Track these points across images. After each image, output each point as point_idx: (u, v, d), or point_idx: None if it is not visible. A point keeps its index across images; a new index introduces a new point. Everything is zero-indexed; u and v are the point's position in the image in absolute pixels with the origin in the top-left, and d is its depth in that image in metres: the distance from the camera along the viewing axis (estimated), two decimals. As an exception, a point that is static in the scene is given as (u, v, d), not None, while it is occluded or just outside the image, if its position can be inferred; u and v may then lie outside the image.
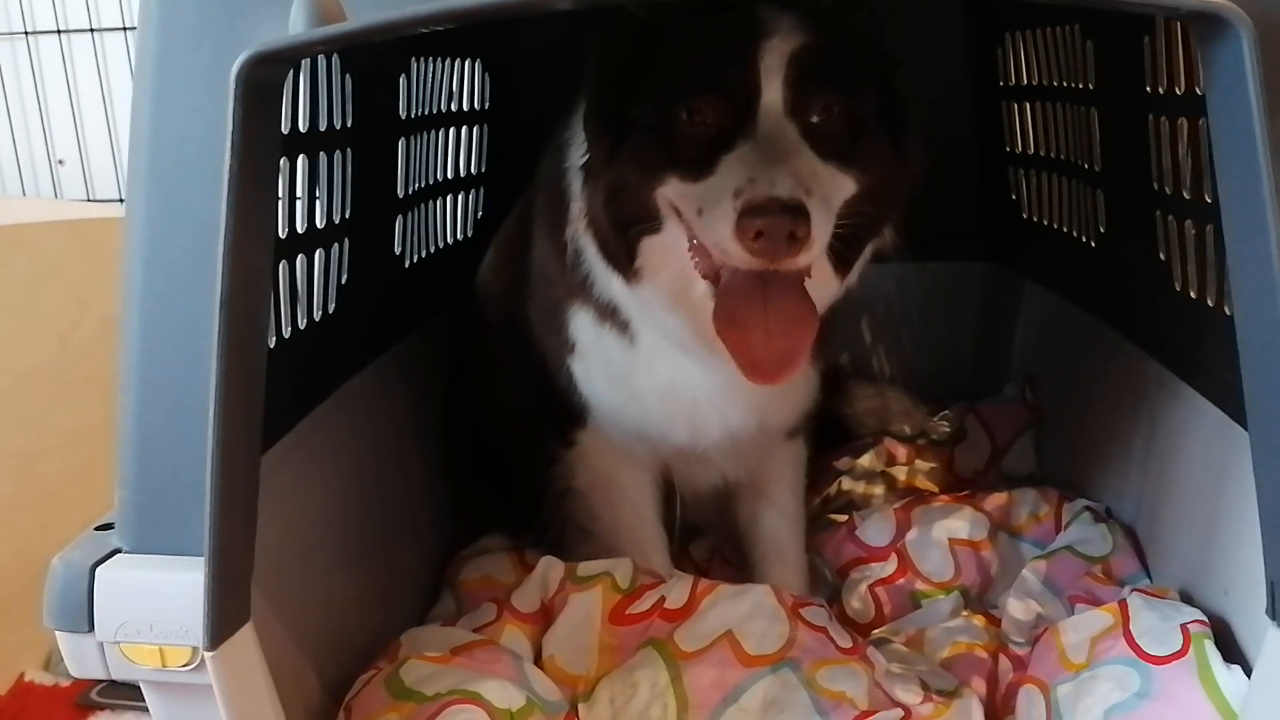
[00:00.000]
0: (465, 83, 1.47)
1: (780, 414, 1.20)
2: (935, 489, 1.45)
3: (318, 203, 1.00)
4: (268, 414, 0.76)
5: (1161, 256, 1.07)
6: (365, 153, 1.09)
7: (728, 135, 0.93)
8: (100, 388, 1.48)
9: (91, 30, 2.11)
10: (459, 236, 1.49)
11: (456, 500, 1.38)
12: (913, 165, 1.04)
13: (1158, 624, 0.95)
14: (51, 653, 1.39)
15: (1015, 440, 1.50)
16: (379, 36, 0.57)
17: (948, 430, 1.54)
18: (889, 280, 1.67)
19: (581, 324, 1.14)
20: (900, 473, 1.49)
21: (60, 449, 1.43)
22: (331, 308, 1.04)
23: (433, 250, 1.39)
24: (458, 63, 1.42)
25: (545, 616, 1.09)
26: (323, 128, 0.98)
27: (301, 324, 0.97)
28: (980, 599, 1.23)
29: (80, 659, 0.69)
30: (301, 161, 0.94)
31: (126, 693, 1.28)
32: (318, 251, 1.01)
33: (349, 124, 1.03)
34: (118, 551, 0.70)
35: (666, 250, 1.01)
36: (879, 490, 1.46)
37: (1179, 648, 0.91)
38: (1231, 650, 0.91)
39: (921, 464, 1.50)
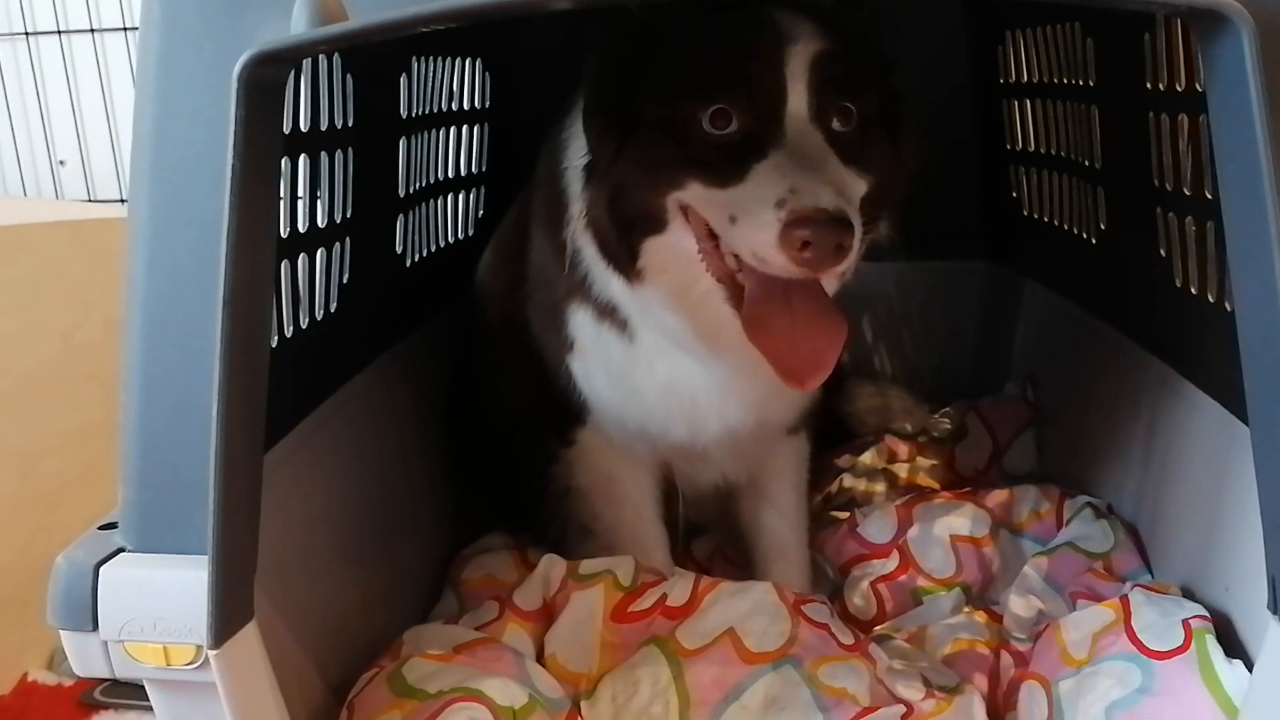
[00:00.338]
0: (466, 82, 1.47)
1: (779, 411, 1.20)
2: (936, 486, 1.45)
3: (319, 202, 1.00)
4: (270, 413, 0.76)
5: (1162, 253, 1.07)
6: (366, 152, 1.09)
7: (755, 141, 0.93)
8: (102, 387, 1.49)
9: (92, 30, 2.10)
10: (460, 235, 1.49)
11: (458, 499, 1.38)
12: (909, 162, 1.05)
13: (1159, 620, 0.95)
14: (55, 652, 1.39)
15: (1016, 438, 1.50)
16: (380, 36, 0.58)
17: (949, 428, 1.54)
18: (889, 279, 1.67)
19: (580, 323, 1.14)
20: (902, 470, 1.49)
21: (62, 448, 1.43)
22: (333, 307, 1.04)
23: (434, 249, 1.39)
24: (458, 62, 1.42)
25: (547, 614, 1.09)
26: (324, 127, 0.98)
27: (303, 323, 0.97)
28: (982, 595, 1.23)
29: (84, 658, 0.69)
30: (303, 161, 0.94)
31: (129, 692, 1.28)
32: (319, 251, 1.01)
33: (350, 123, 1.03)
34: (121, 550, 0.70)
35: (669, 251, 1.01)
36: (880, 487, 1.46)
37: (1180, 643, 0.91)
38: (1233, 645, 0.91)
39: (923, 461, 1.50)
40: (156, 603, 0.67)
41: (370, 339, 1.19)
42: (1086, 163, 1.27)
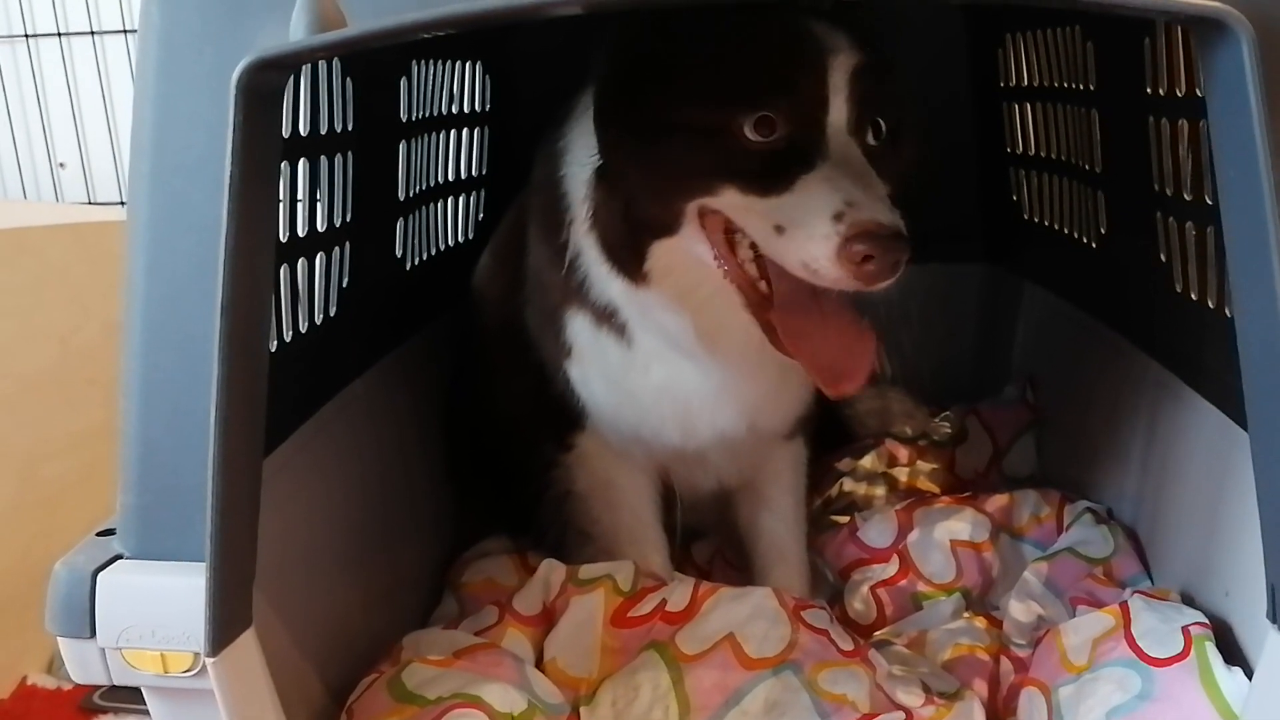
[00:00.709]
0: (466, 85, 1.47)
1: (772, 418, 1.21)
2: (937, 490, 1.45)
3: (319, 206, 1.00)
4: (269, 418, 0.76)
5: (1162, 258, 1.07)
6: (366, 156, 1.09)
7: (800, 152, 0.93)
8: (102, 391, 1.48)
9: (92, 33, 2.10)
10: (460, 239, 1.49)
11: (458, 503, 1.38)
12: (911, 166, 1.05)
13: (1159, 626, 0.95)
14: (54, 656, 1.39)
15: (1016, 441, 1.50)
16: (379, 43, 0.58)
17: (949, 431, 1.54)
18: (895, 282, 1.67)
19: (579, 328, 1.14)
20: (902, 474, 1.49)
21: (62, 452, 1.43)
22: (333, 311, 1.04)
23: (434, 253, 1.39)
24: (458, 65, 1.42)
25: (547, 619, 1.09)
26: (324, 131, 0.98)
27: (303, 328, 0.97)
28: (982, 600, 1.23)
29: (82, 665, 0.69)
30: (303, 165, 0.94)
31: (129, 696, 1.28)
32: (319, 255, 1.01)
33: (350, 127, 1.03)
34: (119, 557, 0.70)
35: (678, 254, 1.01)
36: (880, 491, 1.46)
37: (1180, 650, 0.91)
38: (1233, 652, 0.91)
39: (923, 465, 1.50)
40: (154, 610, 0.67)
41: (370, 343, 1.19)
42: (1086, 166, 1.27)
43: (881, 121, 0.98)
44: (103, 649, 0.68)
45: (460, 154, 1.48)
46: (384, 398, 1.20)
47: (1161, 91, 1.01)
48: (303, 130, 0.93)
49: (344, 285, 1.07)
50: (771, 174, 0.93)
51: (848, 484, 1.47)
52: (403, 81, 1.22)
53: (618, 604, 1.09)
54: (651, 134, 0.97)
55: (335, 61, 0.97)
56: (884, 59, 1.00)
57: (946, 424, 1.56)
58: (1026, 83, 1.45)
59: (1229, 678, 0.86)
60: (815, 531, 1.34)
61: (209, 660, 0.66)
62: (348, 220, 1.06)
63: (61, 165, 2.21)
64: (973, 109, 1.65)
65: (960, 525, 1.26)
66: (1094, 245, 1.28)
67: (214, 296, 0.63)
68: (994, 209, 1.65)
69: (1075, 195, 1.34)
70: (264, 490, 0.75)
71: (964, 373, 1.68)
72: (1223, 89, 0.61)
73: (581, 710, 0.99)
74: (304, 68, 0.89)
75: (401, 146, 1.24)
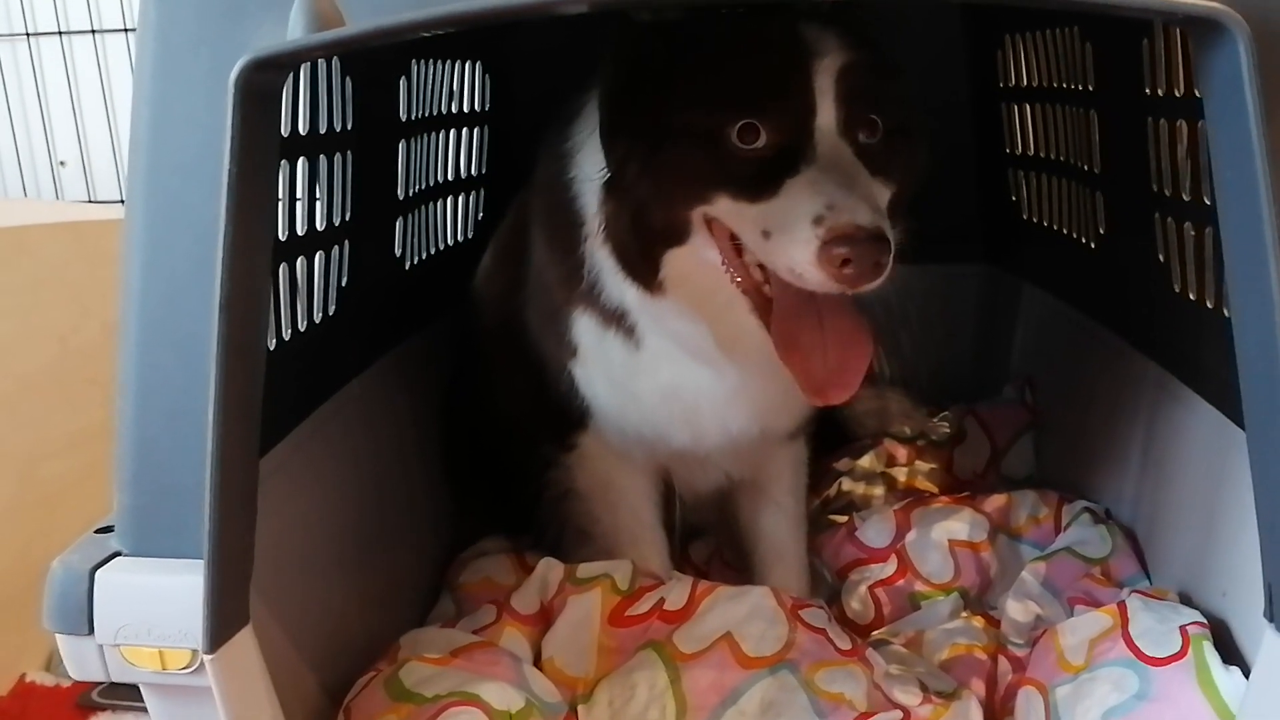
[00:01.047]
0: (465, 85, 1.47)
1: (781, 420, 1.20)
2: (935, 490, 1.45)
3: (318, 205, 1.00)
4: (267, 417, 0.76)
5: (1161, 258, 1.07)
6: (365, 155, 1.09)
7: (786, 156, 0.93)
8: (101, 390, 1.47)
9: (93, 31, 2.11)
10: (459, 238, 1.49)
11: (456, 502, 1.38)
12: (918, 168, 1.05)
13: (1156, 626, 0.95)
14: (52, 653, 1.39)
15: (1014, 442, 1.50)
16: (377, 42, 0.58)
17: (947, 431, 1.54)
18: (888, 283, 1.67)
19: (584, 329, 1.14)
20: (900, 474, 1.49)
21: (62, 451, 1.43)
22: (332, 310, 1.04)
23: (433, 252, 1.39)
24: (458, 65, 1.43)
25: (545, 618, 1.09)
26: (323, 130, 0.98)
27: (301, 326, 0.97)
28: (979, 600, 1.23)
29: (80, 661, 0.70)
30: (301, 164, 0.94)
31: (127, 693, 1.28)
32: (318, 254, 1.01)
33: (349, 126, 1.03)
34: (117, 555, 0.70)
35: (690, 262, 1.01)
36: (879, 491, 1.46)
37: (1178, 649, 0.91)
38: (1230, 651, 0.91)
39: (921, 465, 1.50)
40: (152, 607, 0.67)
41: (369, 342, 1.19)
42: (1085, 167, 1.27)
43: (878, 119, 0.97)
44: (101, 646, 0.68)
45: (459, 153, 1.48)
46: (382, 397, 1.20)
47: (1160, 92, 1.01)
48: (302, 129, 0.93)
49: (343, 284, 1.07)
50: (759, 180, 0.93)
51: (846, 483, 1.47)
52: (402, 81, 1.22)
53: (615, 603, 1.09)
54: (654, 144, 0.97)
55: (334, 60, 0.97)
56: (881, 59, 1.00)
57: (945, 424, 1.56)
58: (1025, 83, 1.45)
59: (1226, 677, 0.86)
60: (813, 531, 1.34)
61: (207, 657, 0.66)
62: (347, 219, 1.06)
63: (62, 163, 2.21)
64: (972, 110, 1.65)
65: (958, 525, 1.26)
66: (1093, 246, 1.29)
67: (211, 295, 0.63)
68: (993, 210, 1.65)
69: (1074, 196, 1.34)
70: (261, 490, 0.75)
71: (963, 373, 1.68)
72: (1220, 90, 0.61)
73: (579, 709, 1.00)
74: (303, 67, 0.89)
75: (401, 146, 1.24)
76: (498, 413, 1.32)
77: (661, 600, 1.08)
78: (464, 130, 1.49)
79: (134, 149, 0.65)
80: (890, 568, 1.25)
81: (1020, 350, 1.60)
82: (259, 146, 0.63)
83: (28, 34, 2.11)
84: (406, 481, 1.27)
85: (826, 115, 0.94)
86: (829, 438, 1.48)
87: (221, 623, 0.67)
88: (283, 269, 0.92)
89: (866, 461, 1.49)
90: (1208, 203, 0.94)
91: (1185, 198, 1.00)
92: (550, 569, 1.13)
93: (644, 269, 1.03)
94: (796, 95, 0.94)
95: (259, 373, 0.71)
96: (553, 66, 1.13)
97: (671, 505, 1.28)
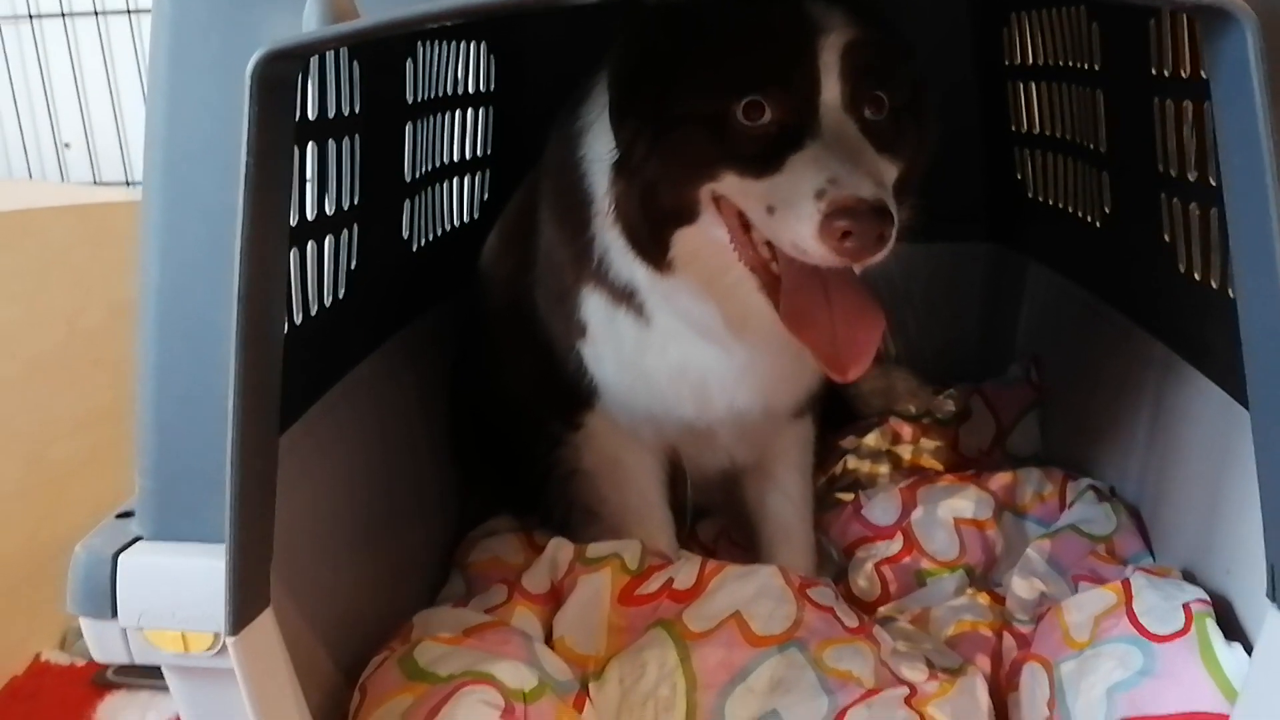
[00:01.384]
0: (471, 66, 1.47)
1: (787, 396, 1.21)
2: (940, 467, 1.46)
3: (327, 190, 1.00)
4: (280, 401, 0.77)
5: (1166, 238, 1.07)
6: (373, 138, 1.10)
7: (792, 132, 0.94)
8: (108, 372, 1.50)
9: (96, 13, 2.10)
10: (465, 219, 1.50)
11: (463, 482, 1.39)
12: (928, 146, 1.06)
13: (1160, 603, 0.96)
14: (66, 632, 1.41)
15: (1020, 420, 1.51)
16: (391, 33, 0.58)
17: (953, 410, 1.55)
18: (894, 261, 1.67)
19: (593, 308, 1.14)
20: (906, 451, 1.50)
21: (69, 433, 1.44)
22: (341, 293, 1.05)
23: (439, 234, 1.40)
24: (463, 46, 1.42)
25: (555, 597, 1.11)
26: (331, 115, 0.98)
27: (312, 310, 0.98)
28: (985, 577, 1.24)
29: (104, 644, 0.71)
30: (311, 149, 0.95)
31: (141, 671, 1.30)
32: (327, 238, 1.01)
33: (357, 110, 1.04)
34: (138, 539, 0.71)
35: (700, 240, 1.02)
36: (884, 469, 1.47)
37: (1181, 626, 0.92)
38: (1233, 628, 0.92)
39: (927, 443, 1.51)
40: (174, 591, 0.68)
41: (377, 324, 1.19)
42: (1091, 146, 1.27)
43: (884, 95, 0.98)
44: (124, 629, 0.69)
45: (465, 135, 1.48)
46: (390, 379, 1.21)
47: (1166, 74, 1.01)
48: (311, 115, 0.93)
49: (351, 268, 1.08)
50: (764, 156, 0.94)
51: (852, 461, 1.48)
52: (409, 63, 1.22)
53: (625, 582, 1.10)
54: (662, 124, 0.98)
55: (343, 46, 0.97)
56: (888, 36, 1.01)
57: (950, 402, 1.56)
58: (1031, 62, 1.45)
59: (1229, 654, 0.87)
60: (820, 509, 1.35)
61: (229, 640, 0.68)
62: (355, 203, 1.07)
63: (67, 145, 2.21)
64: (978, 88, 1.65)
65: (964, 503, 1.27)
66: (1098, 225, 1.29)
67: (227, 282, 0.64)
68: (999, 188, 1.65)
69: (1080, 175, 1.34)
70: (275, 472, 0.76)
71: (969, 351, 1.69)
72: (1227, 76, 0.62)
73: (590, 687, 1.01)
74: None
75: (408, 128, 1.24)
76: (505, 393, 1.33)
77: (670, 580, 1.09)
78: (469, 111, 1.49)
79: (149, 139, 0.65)
80: (896, 545, 1.26)
81: (1026, 328, 1.60)
82: (275, 136, 0.64)
83: (31, 16, 2.11)
84: (414, 461, 1.27)
85: (831, 91, 0.95)
86: (835, 416, 1.49)
87: (243, 605, 0.68)
88: (293, 254, 0.92)
89: (872, 439, 1.50)
90: (1213, 184, 0.95)
91: (1191, 179, 1.00)
92: (560, 549, 1.14)
93: (653, 248, 1.03)
94: (801, 72, 0.94)
95: (276, 359, 0.72)
96: (557, 47, 1.13)
97: (681, 485, 1.29)
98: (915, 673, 1.01)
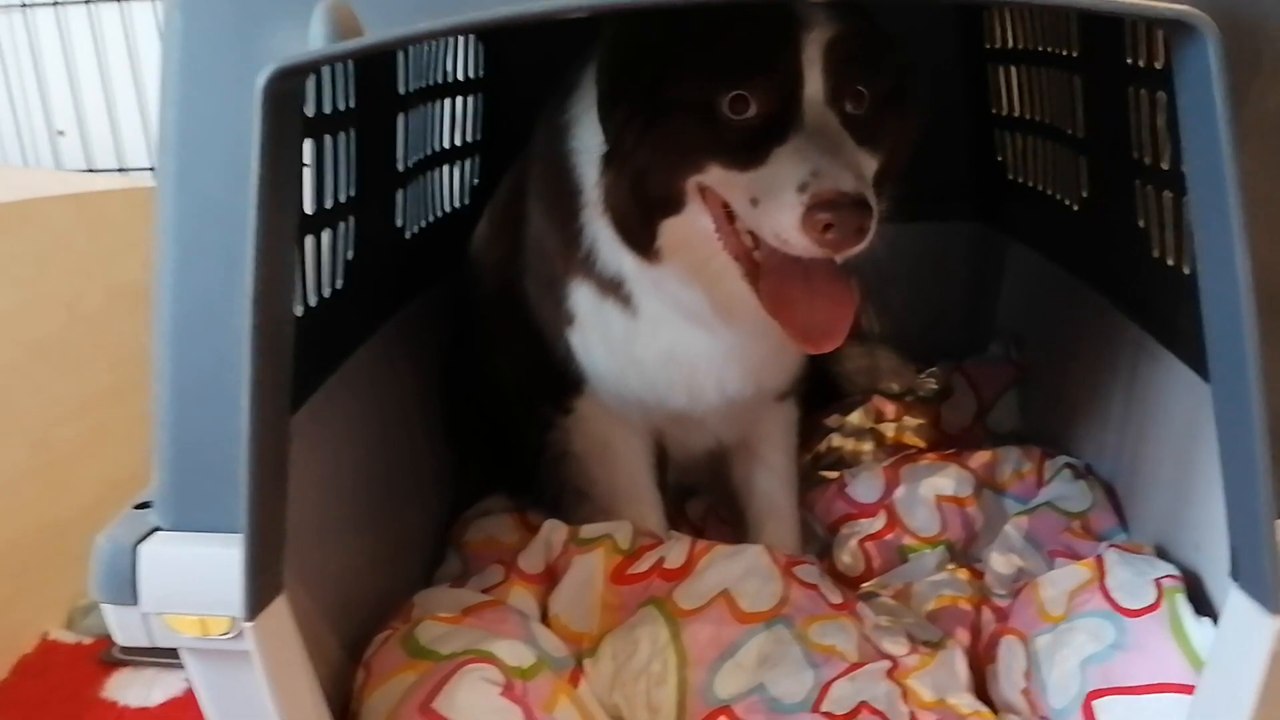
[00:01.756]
0: (460, 54, 1.48)
1: (775, 378, 1.24)
2: (923, 444, 1.49)
3: (325, 184, 1.02)
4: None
5: (1140, 224, 1.10)
6: (367, 130, 1.11)
7: (775, 126, 0.96)
8: (108, 356, 1.51)
9: (86, 1, 2.10)
10: (457, 205, 1.51)
11: (457, 464, 1.41)
12: (912, 135, 1.08)
13: (1132, 579, 0.99)
14: (72, 611, 1.43)
15: (1000, 397, 1.54)
16: (394, 48, 0.60)
17: (935, 388, 1.58)
18: (878, 240, 1.69)
19: (582, 297, 1.17)
20: (889, 429, 1.53)
21: (72, 416, 1.46)
22: (339, 284, 1.07)
23: (431, 220, 1.42)
24: (454, 35, 1.43)
25: (550, 577, 1.13)
26: (328, 110, 1.00)
27: (312, 302, 1.00)
28: (965, 553, 1.27)
29: (126, 628, 0.73)
30: (309, 146, 0.97)
31: (147, 649, 1.33)
32: (324, 231, 1.03)
33: (352, 105, 1.05)
34: (157, 529, 0.74)
35: (686, 230, 1.04)
36: (868, 446, 1.50)
37: (1152, 601, 0.95)
38: (1202, 603, 0.95)
39: (909, 420, 1.54)
40: (192, 578, 0.71)
41: (373, 312, 1.21)
42: (1070, 131, 1.29)
43: (865, 90, 1.00)
44: (145, 614, 0.72)
45: (455, 122, 1.50)
46: (385, 363, 1.23)
47: (1141, 63, 1.03)
48: (309, 112, 0.95)
49: (349, 258, 1.10)
50: (748, 149, 0.96)
51: (836, 439, 1.51)
52: (400, 55, 1.23)
53: (617, 562, 1.13)
54: (650, 115, 1.00)
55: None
56: (871, 28, 1.03)
57: (933, 380, 1.59)
58: (1012, 45, 1.47)
59: (1197, 628, 0.91)
60: (805, 487, 1.37)
61: (246, 625, 0.71)
62: (351, 195, 1.09)
63: (60, 133, 2.21)
64: (961, 70, 1.66)
65: (945, 481, 1.30)
66: (1076, 208, 1.31)
67: (241, 286, 0.66)
68: (981, 169, 1.67)
69: (1058, 158, 1.36)
70: (282, 461, 0.78)
71: (951, 329, 1.70)
72: (1190, 83, 0.64)
73: (584, 663, 1.04)
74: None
75: (400, 118, 1.26)
76: (496, 377, 1.34)
77: (661, 559, 1.12)
78: (459, 99, 1.50)
79: (163, 149, 0.68)
80: (879, 522, 1.29)
81: (1007, 307, 1.63)
82: (284, 145, 0.66)
83: (23, 4, 2.11)
84: (410, 444, 1.30)
85: (814, 86, 0.97)
86: (819, 394, 1.51)
87: (259, 592, 0.71)
88: (294, 250, 0.94)
89: (856, 418, 1.52)
90: (1185, 172, 0.97)
91: (1164, 166, 1.02)
92: (554, 530, 1.17)
93: (641, 238, 1.05)
94: (785, 67, 0.96)
95: (288, 357, 0.75)
96: (544, 32, 1.13)
97: (665, 466, 1.31)
98: (897, 647, 1.05)
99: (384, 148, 1.22)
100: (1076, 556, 1.11)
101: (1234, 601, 0.76)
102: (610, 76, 1.04)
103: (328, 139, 1.01)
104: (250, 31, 0.64)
